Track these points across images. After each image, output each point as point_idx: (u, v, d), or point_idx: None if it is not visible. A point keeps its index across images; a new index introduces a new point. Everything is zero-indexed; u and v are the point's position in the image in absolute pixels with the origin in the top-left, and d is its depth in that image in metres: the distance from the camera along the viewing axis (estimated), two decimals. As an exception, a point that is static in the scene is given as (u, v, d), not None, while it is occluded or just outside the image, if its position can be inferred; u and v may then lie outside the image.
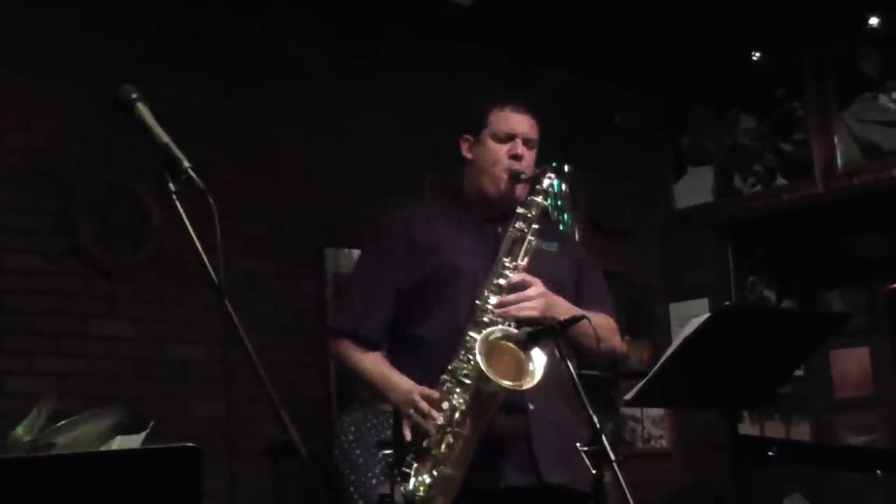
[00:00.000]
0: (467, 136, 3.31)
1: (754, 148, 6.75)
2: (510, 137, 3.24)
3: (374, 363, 3.22)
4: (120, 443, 2.86)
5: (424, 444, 2.98)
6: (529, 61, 6.50)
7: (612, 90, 6.93)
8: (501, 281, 3.08)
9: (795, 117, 6.56)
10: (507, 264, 3.10)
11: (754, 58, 6.62)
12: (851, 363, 6.90)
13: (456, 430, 2.97)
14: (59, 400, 2.89)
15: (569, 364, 2.86)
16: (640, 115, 7.11)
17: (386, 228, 3.36)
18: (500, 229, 3.25)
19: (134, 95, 2.37)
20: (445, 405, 2.99)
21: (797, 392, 6.78)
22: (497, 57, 6.33)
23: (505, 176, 3.22)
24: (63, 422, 2.80)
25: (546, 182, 3.20)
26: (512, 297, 3.05)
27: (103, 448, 2.78)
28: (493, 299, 3.06)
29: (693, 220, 6.98)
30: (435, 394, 3.01)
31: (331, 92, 5.71)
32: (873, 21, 6.13)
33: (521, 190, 3.24)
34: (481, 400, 2.98)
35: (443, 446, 2.96)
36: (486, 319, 3.04)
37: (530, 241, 3.13)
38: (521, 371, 2.96)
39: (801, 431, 6.86)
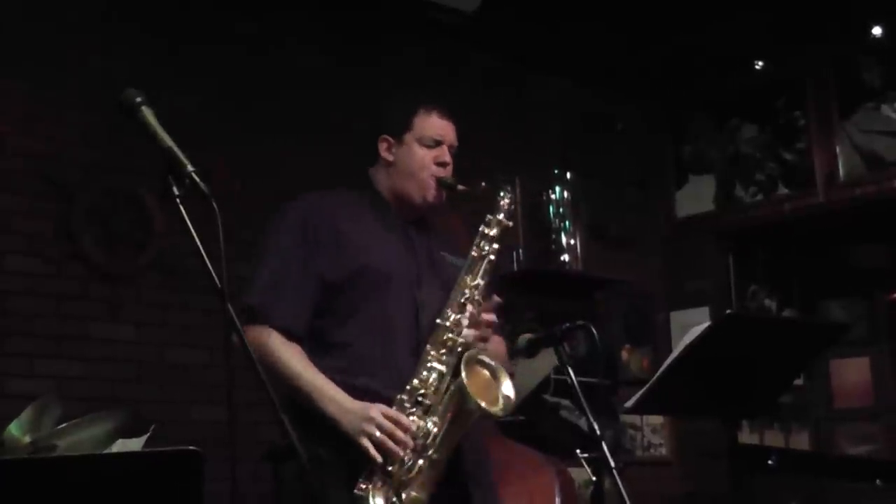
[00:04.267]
0: (387, 137, 3.19)
1: (755, 157, 6.76)
2: (437, 143, 3.16)
3: (304, 367, 2.96)
4: (121, 446, 2.86)
5: (389, 467, 2.85)
6: (530, 69, 6.51)
7: (613, 98, 6.94)
8: (462, 300, 3.00)
9: (797, 126, 6.57)
10: (469, 283, 3.03)
11: (756, 67, 6.63)
12: (851, 373, 6.91)
13: (428, 453, 2.88)
14: (61, 402, 2.89)
15: (569, 371, 2.87)
16: (642, 123, 7.12)
17: (304, 212, 3.13)
18: (415, 233, 3.18)
19: (138, 100, 2.38)
20: (414, 426, 2.88)
21: (797, 401, 6.79)
22: (498, 64, 6.34)
23: (432, 183, 3.13)
24: (64, 425, 2.81)
25: (506, 201, 3.12)
26: (488, 317, 3.01)
27: (105, 451, 2.78)
28: (454, 317, 2.98)
29: (694, 228, 6.99)
30: (401, 416, 2.88)
31: (331, 99, 5.71)
32: (875, 31, 6.14)
33: (443, 197, 3.17)
34: (456, 421, 2.91)
35: (413, 470, 2.86)
36: (448, 337, 2.96)
37: (490, 260, 3.06)
38: (492, 395, 2.92)
39: (801, 441, 6.86)
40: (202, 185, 2.27)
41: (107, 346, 4.84)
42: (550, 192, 6.24)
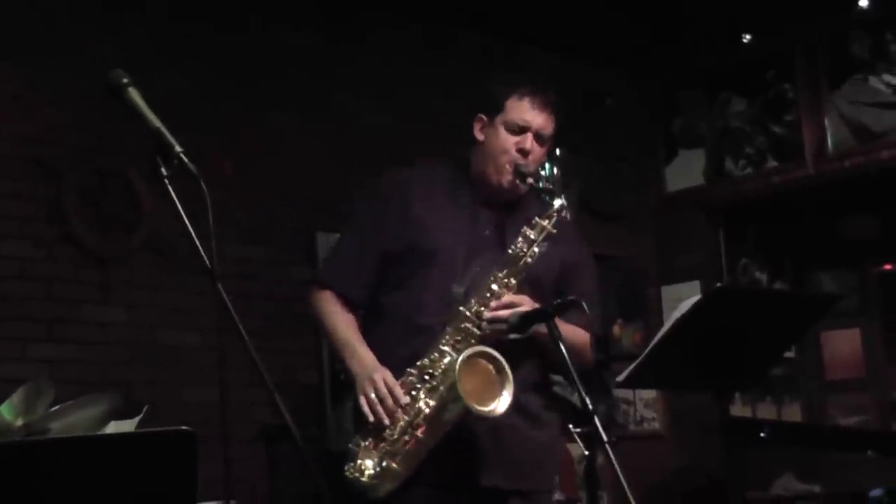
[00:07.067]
0: (482, 116, 3.24)
1: (745, 130, 6.76)
2: (522, 130, 3.17)
3: (345, 325, 3.19)
4: (114, 428, 2.86)
5: (383, 431, 2.96)
6: (520, 45, 6.49)
7: (603, 73, 6.93)
8: (488, 294, 3.03)
9: (786, 99, 6.57)
10: (500, 278, 3.05)
11: (745, 40, 6.63)
12: (842, 345, 6.93)
13: (413, 430, 2.96)
14: (53, 385, 2.89)
15: (561, 346, 2.87)
16: (632, 98, 7.11)
17: (385, 188, 3.30)
18: (493, 215, 3.22)
19: (125, 80, 2.37)
20: (407, 399, 2.97)
21: (788, 374, 6.81)
22: (488, 41, 6.32)
23: (509, 168, 3.16)
24: (57, 407, 2.81)
25: (558, 203, 3.11)
26: (504, 314, 3.01)
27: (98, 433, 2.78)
28: (476, 308, 3.02)
29: (685, 202, 6.99)
30: (397, 386, 2.98)
31: (321, 78, 5.70)
32: (863, 3, 6.13)
33: (522, 187, 3.19)
34: (446, 413, 2.97)
35: (398, 441, 2.96)
36: (465, 325, 3.01)
37: (527, 262, 3.07)
38: (490, 393, 2.94)
39: (793, 413, 6.89)
40: (190, 165, 2.26)
41: (98, 328, 4.84)
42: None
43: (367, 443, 2.98)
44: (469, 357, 2.94)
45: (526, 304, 3.04)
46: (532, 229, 3.10)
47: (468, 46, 6.22)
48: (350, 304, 3.22)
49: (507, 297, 3.04)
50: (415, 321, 3.11)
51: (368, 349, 3.11)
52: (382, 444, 2.97)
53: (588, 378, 2.90)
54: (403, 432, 2.96)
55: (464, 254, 3.15)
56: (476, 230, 3.21)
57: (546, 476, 3.32)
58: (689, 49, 6.77)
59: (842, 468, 5.51)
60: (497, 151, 3.18)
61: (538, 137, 3.20)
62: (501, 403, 2.94)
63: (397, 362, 3.05)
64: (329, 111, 5.69)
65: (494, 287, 3.04)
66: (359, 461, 2.96)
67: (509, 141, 3.17)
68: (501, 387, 2.95)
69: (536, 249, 3.08)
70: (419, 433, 2.96)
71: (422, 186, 3.27)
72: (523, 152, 3.17)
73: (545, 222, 3.10)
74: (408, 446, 2.96)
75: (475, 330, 3.01)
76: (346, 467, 2.96)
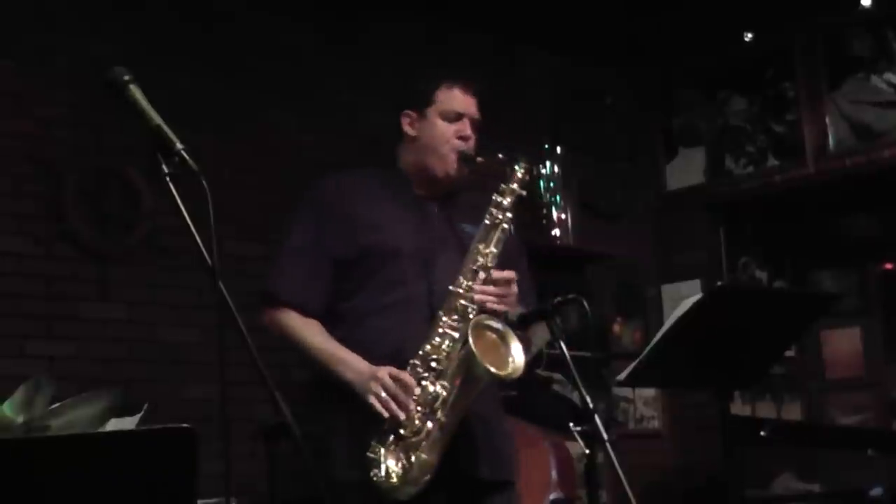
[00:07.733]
0: (410, 112, 3.24)
1: (745, 129, 6.75)
2: (459, 117, 3.19)
3: (317, 336, 3.12)
4: (115, 425, 2.86)
5: (401, 430, 2.92)
6: (518, 43, 6.49)
7: (602, 72, 6.93)
8: (475, 266, 3.02)
9: (786, 98, 6.57)
10: (482, 250, 3.05)
11: (746, 39, 6.62)
12: (843, 344, 6.92)
13: (437, 416, 2.92)
14: (54, 382, 2.89)
15: (562, 344, 2.87)
16: (631, 97, 7.11)
17: (321, 195, 3.26)
18: (436, 209, 3.22)
19: (126, 77, 2.36)
20: (418, 391, 2.93)
21: (789, 372, 6.81)
22: (485, 38, 6.32)
23: (454, 156, 3.17)
24: (57, 405, 2.80)
25: (520, 171, 3.13)
26: (500, 290, 3.01)
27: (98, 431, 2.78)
28: (466, 284, 3.01)
29: (685, 201, 6.99)
30: (406, 376, 2.94)
31: (320, 74, 5.70)
32: (864, 1, 6.13)
33: (467, 171, 3.20)
34: (466, 387, 2.94)
35: (422, 432, 2.92)
36: (460, 304, 3.00)
37: (504, 228, 3.07)
38: (501, 358, 2.93)
39: (793, 412, 6.88)
40: (191, 162, 2.26)
41: (98, 325, 4.84)
42: (541, 166, 6.23)
43: (387, 444, 2.93)
44: (474, 327, 2.92)
45: (514, 278, 3.04)
46: (502, 196, 3.11)
47: (468, 45, 6.22)
48: (308, 315, 3.15)
49: (507, 273, 3.03)
50: (385, 320, 3.08)
51: (353, 353, 3.05)
52: (404, 440, 2.92)
53: (587, 376, 2.90)
54: (424, 421, 2.92)
55: (423, 248, 3.14)
56: (426, 223, 3.20)
57: (514, 467, 3.28)
58: (688, 47, 6.76)
59: (842, 467, 5.51)
60: (438, 142, 3.18)
61: (472, 123, 3.22)
62: (517, 362, 2.93)
63: (381, 362, 3.01)
64: (329, 110, 5.69)
65: (480, 259, 3.04)
66: (384, 465, 2.90)
67: (449, 130, 3.18)
68: (508, 349, 2.94)
69: (510, 215, 3.09)
70: (441, 416, 2.93)
71: (360, 188, 3.25)
72: (465, 138, 3.19)
73: (514, 186, 3.12)
74: (432, 434, 2.92)
75: (470, 305, 3.00)
76: (371, 473, 2.90)
